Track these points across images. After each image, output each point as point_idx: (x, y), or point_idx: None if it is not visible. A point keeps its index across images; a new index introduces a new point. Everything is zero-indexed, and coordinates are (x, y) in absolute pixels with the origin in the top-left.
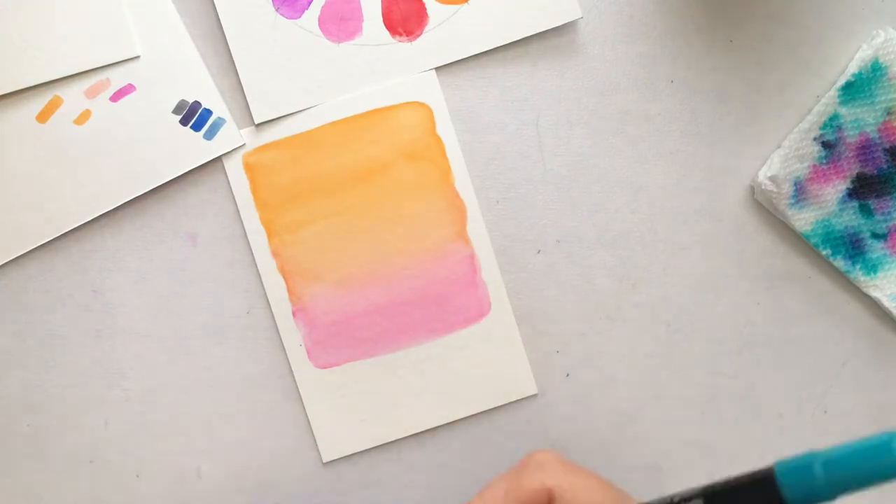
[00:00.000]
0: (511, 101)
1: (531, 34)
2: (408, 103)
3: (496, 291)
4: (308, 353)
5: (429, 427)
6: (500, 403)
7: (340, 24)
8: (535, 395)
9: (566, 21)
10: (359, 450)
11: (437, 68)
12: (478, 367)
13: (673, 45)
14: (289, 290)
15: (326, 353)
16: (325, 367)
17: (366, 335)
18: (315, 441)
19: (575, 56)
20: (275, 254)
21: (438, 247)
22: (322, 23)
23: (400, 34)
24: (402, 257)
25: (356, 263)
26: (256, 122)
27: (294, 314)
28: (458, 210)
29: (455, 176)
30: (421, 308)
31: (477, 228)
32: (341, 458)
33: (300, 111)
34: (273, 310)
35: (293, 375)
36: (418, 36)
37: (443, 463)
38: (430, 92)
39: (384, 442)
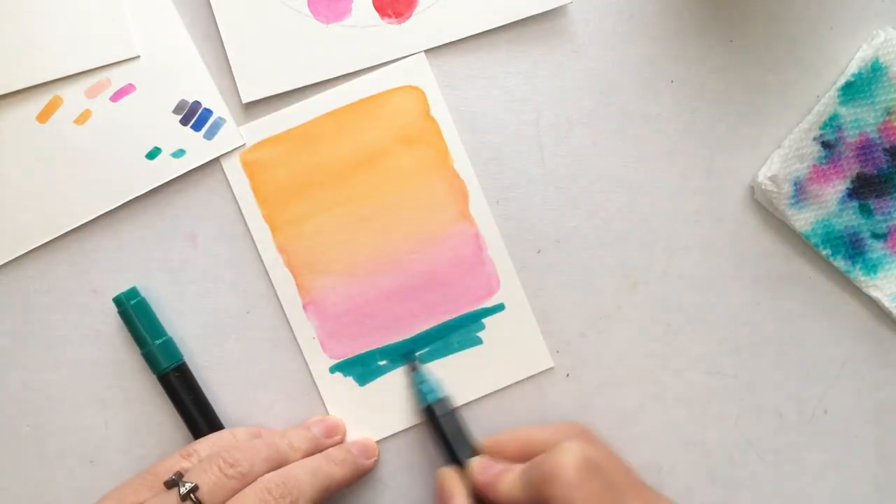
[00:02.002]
0: (511, 101)
1: (523, 17)
2: (400, 88)
3: (504, 268)
4: (322, 345)
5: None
6: (518, 379)
7: (330, 4)
8: (550, 370)
9: (557, 5)
10: (381, 437)
11: (431, 57)
12: (492, 344)
13: (673, 45)
14: (297, 284)
15: (340, 343)
16: (340, 359)
17: (378, 323)
18: None
19: (575, 56)
20: (280, 249)
21: (443, 228)
22: (311, 3)
23: (389, 16)
24: (407, 242)
25: (362, 252)
26: (244, 101)
27: (305, 308)
28: (459, 190)
29: (453, 157)
30: (431, 291)
31: (479, 207)
32: None
33: (292, 104)
34: (283, 305)
35: (297, 375)
36: (408, 18)
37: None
38: (422, 75)
39: (402, 429)
